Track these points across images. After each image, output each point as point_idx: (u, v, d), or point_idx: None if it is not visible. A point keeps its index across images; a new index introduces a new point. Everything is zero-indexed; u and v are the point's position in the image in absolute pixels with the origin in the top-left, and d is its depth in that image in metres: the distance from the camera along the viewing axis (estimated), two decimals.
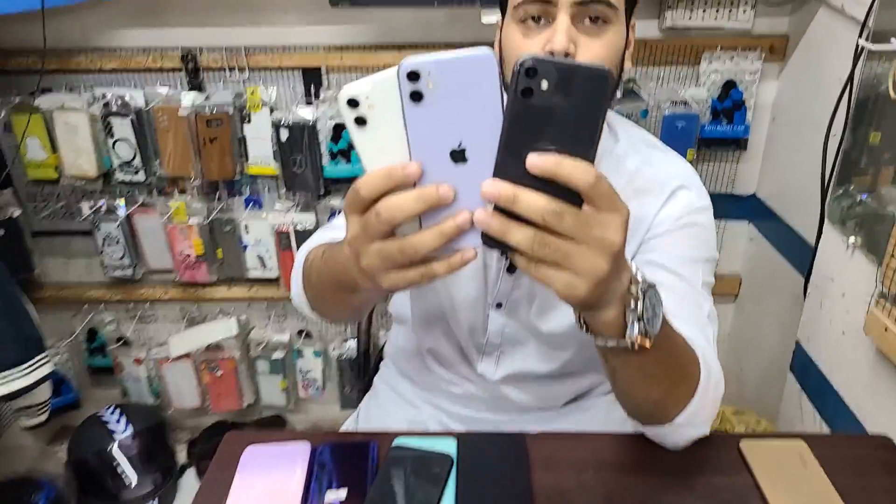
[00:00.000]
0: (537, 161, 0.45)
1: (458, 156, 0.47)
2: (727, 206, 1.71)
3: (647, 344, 0.55)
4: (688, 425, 0.71)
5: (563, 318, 0.89)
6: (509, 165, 0.46)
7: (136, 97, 1.60)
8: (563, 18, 0.76)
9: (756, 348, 1.74)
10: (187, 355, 1.83)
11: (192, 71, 1.60)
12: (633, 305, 0.53)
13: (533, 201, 0.46)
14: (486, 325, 0.94)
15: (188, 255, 1.73)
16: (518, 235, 0.47)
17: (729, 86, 1.57)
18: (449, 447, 0.80)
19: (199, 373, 1.86)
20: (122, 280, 1.81)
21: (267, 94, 1.60)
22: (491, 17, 1.37)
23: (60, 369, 1.87)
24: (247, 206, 1.73)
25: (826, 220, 1.22)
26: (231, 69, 1.60)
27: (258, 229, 1.71)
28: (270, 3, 1.56)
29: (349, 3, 1.42)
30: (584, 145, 0.46)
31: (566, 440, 0.85)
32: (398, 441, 0.81)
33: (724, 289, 1.82)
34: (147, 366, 1.89)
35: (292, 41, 1.59)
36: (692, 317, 0.77)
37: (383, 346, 1.22)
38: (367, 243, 0.51)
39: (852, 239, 1.11)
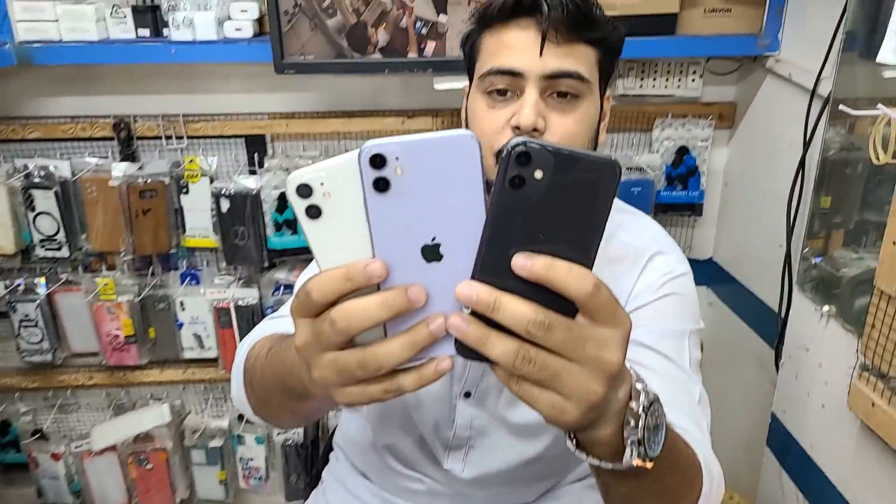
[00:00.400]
0: (525, 263, 0.38)
1: (431, 252, 0.40)
2: None
3: (648, 465, 0.46)
4: None
5: None
6: (491, 265, 0.39)
7: (61, 168, 1.51)
8: (531, 92, 0.72)
9: (723, 418, 1.67)
10: (113, 447, 1.67)
11: (125, 140, 1.51)
12: (632, 423, 0.44)
13: (517, 310, 0.38)
14: (453, 417, 0.84)
15: (116, 336, 1.59)
16: (498, 348, 0.39)
17: (682, 152, 1.57)
18: None
19: (125, 467, 1.70)
20: (41, 365, 1.65)
21: (207, 163, 1.52)
22: (444, 83, 1.33)
23: None
24: (183, 281, 1.62)
25: (795, 287, 1.20)
26: (168, 138, 1.51)
27: (195, 306, 1.60)
28: (211, 70, 1.49)
29: (295, 70, 1.35)
30: (583, 247, 0.39)
31: None
32: None
33: None
34: (66, 461, 1.72)
35: (235, 108, 1.53)
36: (684, 405, 0.71)
37: (334, 431, 1.10)
38: (319, 353, 0.42)
39: (826, 308, 1.07)
